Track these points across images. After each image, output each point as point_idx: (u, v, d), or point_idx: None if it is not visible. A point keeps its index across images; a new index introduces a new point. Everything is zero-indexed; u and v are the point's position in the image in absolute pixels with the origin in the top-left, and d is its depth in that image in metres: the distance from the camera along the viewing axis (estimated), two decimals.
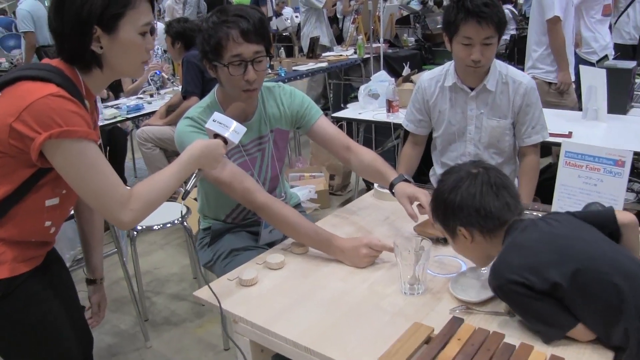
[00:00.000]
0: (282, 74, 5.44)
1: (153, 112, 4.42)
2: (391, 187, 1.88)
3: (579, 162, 1.72)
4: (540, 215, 1.64)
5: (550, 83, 3.75)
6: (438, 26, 6.84)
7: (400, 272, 1.49)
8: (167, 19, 8.37)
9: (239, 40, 1.72)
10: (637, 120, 3.07)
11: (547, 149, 3.55)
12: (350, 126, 4.32)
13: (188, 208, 2.96)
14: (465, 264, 1.60)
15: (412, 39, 7.07)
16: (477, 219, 1.35)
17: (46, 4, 5.98)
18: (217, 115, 1.51)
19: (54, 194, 1.38)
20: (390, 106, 3.61)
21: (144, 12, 1.34)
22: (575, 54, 4.06)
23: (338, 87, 6.75)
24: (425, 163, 2.68)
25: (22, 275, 1.36)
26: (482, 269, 1.51)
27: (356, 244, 1.66)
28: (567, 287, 1.20)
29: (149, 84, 5.18)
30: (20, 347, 1.41)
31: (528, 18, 4.88)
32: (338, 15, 8.77)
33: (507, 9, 6.95)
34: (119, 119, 4.18)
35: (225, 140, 1.50)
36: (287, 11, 9.11)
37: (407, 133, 2.64)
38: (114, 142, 4.57)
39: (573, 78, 3.73)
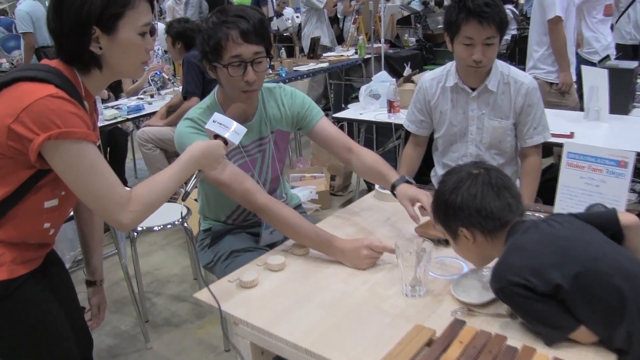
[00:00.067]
0: (283, 74, 5.43)
1: (153, 113, 4.41)
2: (392, 188, 1.88)
3: (581, 163, 1.72)
4: (541, 216, 1.63)
5: (551, 83, 3.74)
6: (439, 26, 6.84)
7: (401, 273, 1.48)
8: (168, 19, 8.38)
9: (238, 41, 1.71)
10: (639, 121, 3.06)
11: (549, 149, 3.54)
12: (351, 127, 4.32)
13: (188, 209, 2.95)
14: (467, 265, 1.59)
15: (413, 39, 7.07)
16: (479, 220, 1.34)
17: (46, 5, 5.97)
18: (217, 115, 1.51)
19: (53, 195, 1.38)
20: (391, 106, 3.60)
21: (144, 13, 1.33)
22: (577, 54, 4.05)
23: (339, 88, 6.75)
24: (427, 164, 2.67)
25: (21, 277, 1.35)
26: (484, 270, 1.50)
27: (357, 245, 1.65)
28: (569, 288, 1.19)
29: (150, 85, 5.18)
30: (19, 348, 1.40)
31: (529, 18, 4.87)
32: (339, 16, 8.77)
33: (508, 9, 6.94)
34: (119, 119, 4.18)
35: (225, 141, 1.49)
36: (288, 11, 9.10)
37: (408, 134, 2.63)
38: (115, 143, 4.56)
39: (574, 78, 3.72)
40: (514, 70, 2.33)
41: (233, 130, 1.49)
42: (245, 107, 1.75)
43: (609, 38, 4.26)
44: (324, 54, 6.64)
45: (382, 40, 5.98)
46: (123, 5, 1.30)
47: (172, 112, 4.23)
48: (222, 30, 1.71)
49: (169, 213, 2.81)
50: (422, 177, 2.69)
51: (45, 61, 1.35)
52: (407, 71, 4.29)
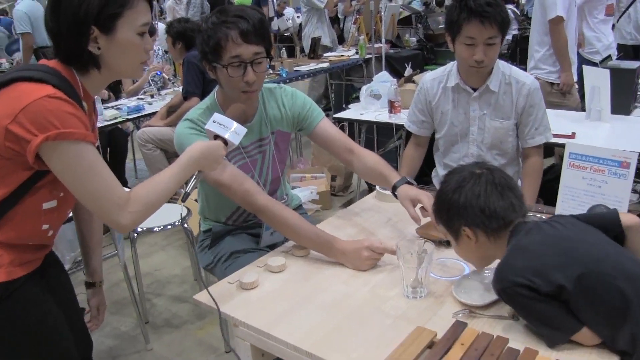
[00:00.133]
0: (284, 75, 5.43)
1: (154, 113, 4.41)
2: (394, 189, 1.87)
3: (584, 164, 1.71)
4: (543, 217, 1.62)
5: (552, 83, 3.73)
6: (440, 26, 6.84)
7: (402, 275, 1.47)
8: (168, 19, 8.38)
9: (238, 41, 1.70)
10: None
11: (550, 149, 3.54)
12: (352, 127, 4.31)
13: (189, 209, 2.95)
14: (468, 267, 1.58)
15: (414, 39, 7.07)
16: (482, 219, 1.33)
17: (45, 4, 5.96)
18: (217, 116, 1.50)
19: (51, 196, 1.37)
20: (392, 107, 3.60)
21: (142, 12, 1.33)
22: (578, 54, 4.04)
23: (339, 88, 6.75)
24: (428, 164, 2.67)
25: (19, 279, 1.34)
26: (486, 272, 1.49)
27: (358, 246, 1.64)
28: (572, 289, 1.18)
29: (150, 85, 5.17)
30: (19, 349, 1.39)
31: (530, 18, 4.87)
32: (339, 16, 8.76)
33: (509, 8, 6.89)
34: (119, 119, 4.18)
35: (225, 142, 1.48)
36: (289, 11, 9.11)
37: (409, 134, 2.62)
38: (115, 143, 4.55)
39: (576, 78, 3.72)
40: (515, 71, 2.32)
41: (233, 131, 1.49)
42: (245, 107, 1.74)
43: (610, 38, 4.25)
44: (325, 54, 6.64)
45: (383, 40, 5.97)
46: (121, 4, 1.28)
47: (173, 113, 4.23)
48: (221, 30, 1.70)
49: (169, 214, 2.81)
50: (423, 178, 2.69)
51: (43, 61, 1.34)
52: (408, 71, 4.29)
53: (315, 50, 6.46)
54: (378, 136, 4.47)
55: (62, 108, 1.22)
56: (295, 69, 5.70)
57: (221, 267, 1.99)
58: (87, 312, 1.76)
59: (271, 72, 5.39)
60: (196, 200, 2.20)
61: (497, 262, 1.34)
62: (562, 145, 1.78)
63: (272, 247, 1.94)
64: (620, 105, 3.10)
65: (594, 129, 2.94)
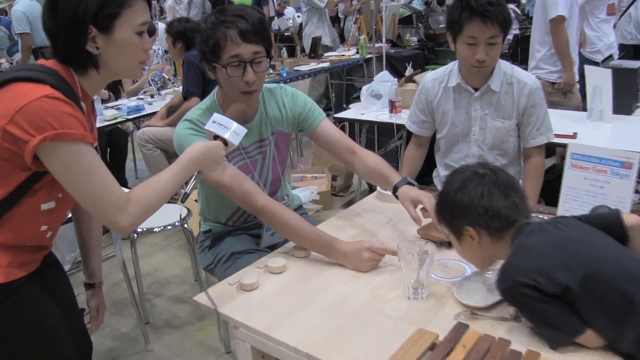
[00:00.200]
0: (284, 74, 5.42)
1: (154, 113, 4.41)
2: (394, 190, 1.86)
3: (585, 164, 1.70)
4: (545, 217, 1.61)
5: (553, 83, 3.72)
6: (441, 26, 6.82)
7: (403, 276, 1.46)
8: (168, 19, 8.37)
9: (237, 41, 1.69)
10: None
11: (552, 149, 3.52)
12: (353, 127, 4.30)
13: (189, 210, 2.94)
14: (470, 268, 1.57)
15: (415, 39, 7.05)
16: (485, 219, 1.33)
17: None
18: (216, 116, 1.49)
19: (50, 197, 1.36)
20: (392, 107, 3.59)
21: (141, 11, 1.32)
22: (580, 53, 4.03)
23: (340, 88, 6.74)
24: (429, 164, 2.66)
25: (18, 280, 1.34)
26: (487, 273, 1.48)
27: (358, 247, 1.64)
28: (577, 290, 1.17)
29: (150, 85, 5.17)
30: (18, 350, 1.39)
31: (531, 18, 4.86)
32: (340, 15, 8.75)
33: (510, 8, 6.89)
34: (119, 120, 4.17)
35: (225, 142, 1.48)
36: (289, 11, 9.10)
37: (410, 134, 2.61)
38: (115, 143, 4.54)
39: (577, 78, 3.71)
40: (517, 70, 2.31)
41: (233, 131, 1.48)
42: (245, 107, 1.73)
43: (611, 37, 4.24)
44: (325, 54, 6.63)
45: (384, 39, 5.96)
46: (119, 4, 1.28)
47: (173, 113, 4.23)
48: (220, 30, 1.69)
49: (169, 214, 2.79)
50: (424, 178, 2.68)
51: (41, 61, 1.33)
52: (409, 71, 4.28)
53: (316, 50, 6.45)
54: (379, 136, 4.47)
55: (60, 108, 1.21)
56: (295, 68, 5.70)
57: (221, 268, 1.98)
58: (86, 313, 1.75)
59: (271, 71, 5.38)
60: (196, 201, 2.19)
61: (498, 263, 1.34)
62: (564, 146, 1.77)
63: (272, 248, 1.94)
64: (622, 105, 3.09)
65: (596, 129, 2.93)
